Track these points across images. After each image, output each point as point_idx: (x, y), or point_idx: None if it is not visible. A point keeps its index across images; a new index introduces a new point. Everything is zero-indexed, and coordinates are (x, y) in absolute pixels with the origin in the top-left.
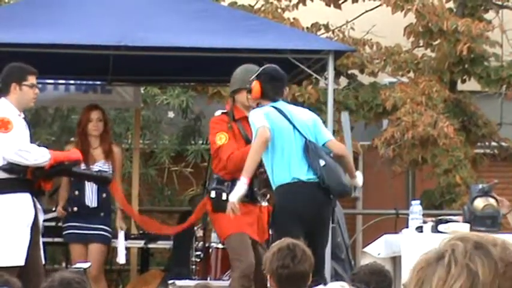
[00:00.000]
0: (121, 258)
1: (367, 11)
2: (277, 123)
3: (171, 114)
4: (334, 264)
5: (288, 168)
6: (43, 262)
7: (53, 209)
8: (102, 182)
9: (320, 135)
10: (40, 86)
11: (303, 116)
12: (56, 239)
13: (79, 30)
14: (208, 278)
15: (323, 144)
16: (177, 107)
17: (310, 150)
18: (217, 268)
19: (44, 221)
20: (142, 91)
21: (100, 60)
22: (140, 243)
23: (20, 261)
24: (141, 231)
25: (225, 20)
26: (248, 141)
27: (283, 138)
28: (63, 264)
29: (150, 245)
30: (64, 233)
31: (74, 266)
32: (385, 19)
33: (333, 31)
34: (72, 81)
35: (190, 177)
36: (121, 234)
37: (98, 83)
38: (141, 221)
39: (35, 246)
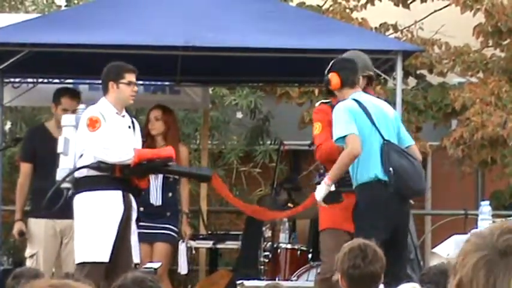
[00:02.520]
0: (183, 269)
1: (435, 11)
2: (359, 122)
3: (239, 115)
4: None
5: (367, 167)
6: (135, 261)
7: None
8: (203, 178)
9: (403, 136)
10: None
11: (386, 110)
12: None
13: (147, 31)
14: (277, 279)
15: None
16: (245, 108)
17: (385, 153)
18: (286, 268)
19: None
20: (210, 92)
21: (168, 61)
22: (209, 244)
23: (105, 257)
24: (209, 232)
25: (292, 20)
26: None
27: (364, 138)
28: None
29: (219, 245)
30: None
31: (145, 266)
32: (454, 19)
33: (402, 31)
34: (140, 82)
35: (258, 177)
36: (182, 246)
37: (167, 83)
38: (252, 211)
39: (123, 244)
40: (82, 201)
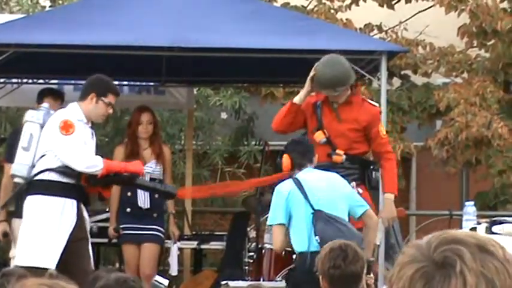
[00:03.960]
0: (173, 270)
1: (420, 12)
2: (291, 199)
3: (224, 115)
4: (387, 265)
5: (301, 239)
6: (90, 269)
7: (106, 209)
8: (167, 195)
9: (356, 204)
10: None
11: (333, 183)
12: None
13: (133, 31)
14: (261, 279)
15: (358, 217)
16: (230, 108)
17: (313, 224)
18: (271, 269)
19: (97, 221)
20: (195, 92)
21: (153, 62)
22: (193, 244)
23: (51, 264)
24: (194, 232)
25: (277, 20)
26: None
27: (296, 212)
28: (117, 265)
29: (203, 246)
30: None
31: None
32: (438, 19)
33: (386, 32)
34: (125, 82)
35: (243, 178)
36: (174, 247)
37: (151, 84)
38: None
39: (77, 252)
40: (35, 204)
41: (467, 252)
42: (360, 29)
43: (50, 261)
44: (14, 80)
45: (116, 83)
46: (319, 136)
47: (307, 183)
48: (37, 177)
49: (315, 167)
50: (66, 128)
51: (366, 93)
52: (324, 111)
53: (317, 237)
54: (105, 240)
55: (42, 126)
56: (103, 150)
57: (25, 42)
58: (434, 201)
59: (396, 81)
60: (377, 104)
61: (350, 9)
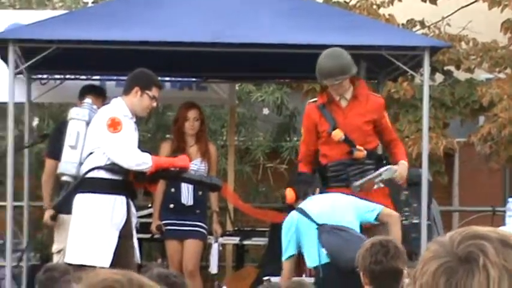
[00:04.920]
0: (213, 269)
1: (463, 7)
2: (299, 226)
3: (265, 111)
4: None
5: (313, 255)
6: (133, 264)
7: (149, 205)
8: (213, 188)
9: (365, 212)
10: None
11: (335, 202)
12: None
13: (174, 27)
14: (304, 275)
15: (375, 220)
16: (271, 104)
17: (318, 237)
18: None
19: (139, 217)
20: (237, 88)
21: (195, 57)
22: (235, 240)
23: (105, 262)
24: (236, 228)
25: (319, 16)
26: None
27: (304, 232)
28: (159, 261)
29: (245, 242)
30: None
31: None
32: (481, 15)
33: (429, 27)
34: (167, 78)
35: (285, 173)
36: (215, 246)
37: (193, 80)
38: (256, 213)
39: (124, 248)
40: (86, 202)
41: (490, 247)
42: (403, 24)
43: (104, 260)
44: (57, 76)
45: (158, 79)
46: (338, 134)
47: (309, 206)
48: (86, 175)
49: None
50: (114, 125)
51: (408, 89)
52: (334, 110)
53: (323, 249)
54: (148, 235)
55: (88, 124)
56: (145, 146)
57: (67, 38)
58: (477, 197)
59: (439, 77)
60: (380, 96)
61: (392, 4)
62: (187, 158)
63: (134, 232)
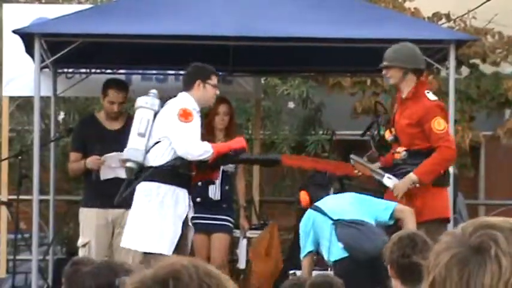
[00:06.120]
0: (241, 263)
1: (488, 0)
2: (317, 224)
3: (291, 105)
4: None
5: (330, 251)
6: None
7: None
8: (273, 163)
9: (379, 208)
10: (162, 77)
11: (347, 200)
12: None
13: (199, 21)
14: (329, 269)
15: (390, 219)
16: (297, 98)
17: (334, 232)
18: None
19: None
20: (262, 81)
21: (220, 51)
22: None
23: (168, 250)
24: (262, 222)
25: (344, 9)
26: None
27: (321, 230)
28: None
29: None
30: None
31: None
32: (507, 8)
33: (454, 20)
34: None
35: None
36: (243, 241)
37: (219, 73)
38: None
39: (183, 241)
40: (152, 190)
41: (502, 237)
42: (428, 17)
43: (168, 248)
44: (82, 70)
45: (183, 72)
46: (387, 135)
47: (324, 204)
48: (152, 164)
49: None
50: (186, 115)
51: (434, 83)
52: (396, 107)
53: (339, 243)
54: None
55: (155, 114)
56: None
57: (93, 32)
58: (503, 190)
59: (465, 70)
60: (435, 97)
61: None
62: (243, 138)
63: (190, 225)
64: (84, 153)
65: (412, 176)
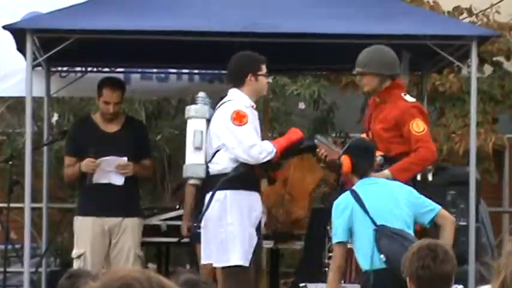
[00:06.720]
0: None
1: None
2: (352, 214)
3: (301, 106)
4: (479, 267)
5: (365, 257)
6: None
7: (177, 206)
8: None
9: (423, 209)
10: (163, 76)
11: (393, 191)
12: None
13: (203, 16)
14: (342, 282)
15: (430, 222)
16: (308, 98)
17: (376, 241)
18: (351, 270)
19: (166, 219)
20: (271, 81)
21: (226, 48)
22: (269, 244)
23: (246, 261)
24: (270, 231)
25: (359, 3)
26: None
27: (357, 227)
28: (187, 266)
29: (280, 246)
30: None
31: None
32: None
33: (477, 15)
34: (196, 71)
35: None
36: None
37: (224, 72)
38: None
39: (258, 251)
40: (226, 200)
41: None
42: (448, 12)
43: (248, 259)
44: (78, 69)
45: (186, 71)
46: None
47: (367, 197)
48: (219, 173)
49: None
50: (239, 118)
51: (454, 82)
52: (372, 111)
53: (382, 255)
54: (175, 239)
55: (208, 120)
56: (173, 143)
57: (89, 28)
58: None
59: (488, 69)
60: (413, 99)
61: None
62: (298, 129)
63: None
64: (80, 157)
65: (385, 172)
